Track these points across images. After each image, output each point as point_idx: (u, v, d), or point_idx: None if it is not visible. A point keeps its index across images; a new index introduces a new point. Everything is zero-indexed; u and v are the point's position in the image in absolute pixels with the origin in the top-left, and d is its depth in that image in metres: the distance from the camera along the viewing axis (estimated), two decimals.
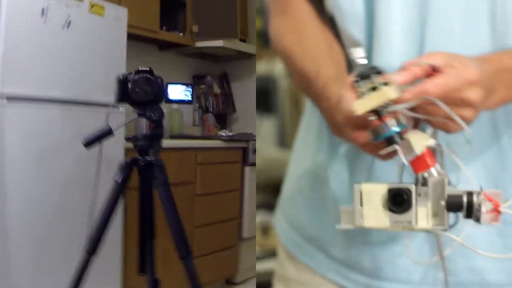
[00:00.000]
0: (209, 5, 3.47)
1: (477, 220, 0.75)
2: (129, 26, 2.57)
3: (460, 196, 0.75)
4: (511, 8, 0.87)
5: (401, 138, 0.76)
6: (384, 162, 0.83)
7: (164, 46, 3.52)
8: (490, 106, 0.80)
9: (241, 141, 3.28)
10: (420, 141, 0.76)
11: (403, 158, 0.76)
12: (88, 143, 1.62)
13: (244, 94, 3.95)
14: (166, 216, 1.66)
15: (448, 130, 0.79)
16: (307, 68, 0.95)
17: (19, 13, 1.96)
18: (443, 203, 0.76)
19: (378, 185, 0.78)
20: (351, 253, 1.03)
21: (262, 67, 3.30)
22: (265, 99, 3.30)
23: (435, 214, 0.76)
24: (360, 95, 0.76)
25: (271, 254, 2.73)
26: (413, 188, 0.76)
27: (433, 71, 0.77)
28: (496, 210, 0.74)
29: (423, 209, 0.77)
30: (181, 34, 3.40)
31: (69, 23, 2.13)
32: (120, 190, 1.66)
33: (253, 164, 3.35)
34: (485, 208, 0.74)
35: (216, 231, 3.14)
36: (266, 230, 2.95)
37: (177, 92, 3.18)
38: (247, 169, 3.32)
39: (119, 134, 2.28)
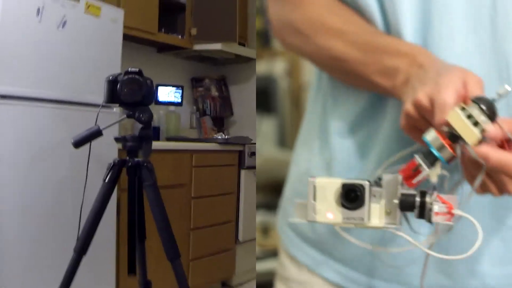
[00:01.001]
0: (208, 9, 3.48)
1: (429, 220, 0.75)
2: (128, 27, 2.58)
3: (413, 196, 0.76)
4: (511, 14, 0.87)
5: (432, 166, 0.76)
6: (380, 156, 0.84)
7: (162, 48, 3.52)
8: None
9: (237, 145, 3.29)
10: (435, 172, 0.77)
11: (421, 175, 0.77)
12: (77, 143, 1.62)
13: (242, 97, 3.95)
14: (154, 217, 1.67)
15: (470, 182, 0.79)
16: (377, 41, 0.92)
17: (14, 12, 1.96)
18: (396, 201, 0.76)
19: (332, 179, 0.78)
20: (351, 254, 1.04)
21: (262, 67, 3.30)
22: (265, 99, 3.31)
23: (388, 213, 0.77)
24: (463, 111, 0.75)
25: (271, 254, 2.73)
26: (366, 185, 0.76)
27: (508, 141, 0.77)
28: (449, 213, 0.75)
29: (376, 206, 0.77)
30: (180, 36, 3.41)
31: (64, 23, 2.13)
32: (108, 190, 1.66)
33: (250, 168, 3.35)
34: (438, 209, 0.74)
35: (212, 234, 3.14)
36: (266, 230, 2.95)
37: (167, 94, 3.19)
38: (243, 172, 3.32)
39: (113, 134, 2.28)
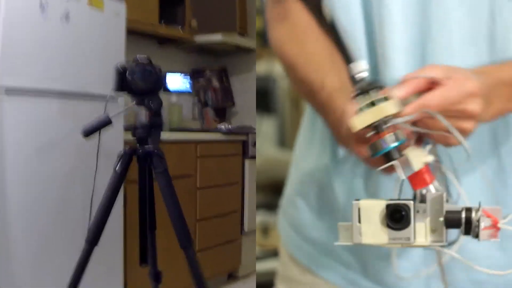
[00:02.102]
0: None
1: (476, 236, 0.74)
2: (128, 20, 2.57)
3: (459, 212, 0.75)
4: (510, 27, 0.87)
5: (400, 154, 0.76)
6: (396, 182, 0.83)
7: (163, 41, 3.51)
8: (486, 118, 0.80)
9: (240, 134, 3.28)
10: (418, 157, 0.77)
11: (401, 174, 0.76)
12: (87, 133, 1.62)
13: (243, 88, 3.95)
14: (166, 205, 1.65)
15: (447, 144, 0.79)
16: (311, 79, 0.94)
17: (18, 6, 1.96)
18: (441, 219, 0.75)
19: (376, 201, 0.78)
20: (355, 257, 1.03)
21: (262, 67, 3.30)
22: (265, 99, 3.31)
23: (434, 230, 0.76)
24: (358, 111, 0.76)
25: (271, 254, 2.73)
26: (411, 204, 0.75)
27: (432, 84, 0.76)
28: (495, 226, 0.74)
29: (422, 225, 0.76)
30: (180, 28, 3.40)
31: (68, 17, 2.13)
32: (119, 180, 1.65)
33: (253, 157, 3.35)
34: (484, 224, 0.74)
35: (217, 225, 3.14)
36: (266, 230, 2.95)
37: (176, 81, 3.17)
38: (247, 162, 3.32)
39: (119, 125, 2.28)
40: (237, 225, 3.32)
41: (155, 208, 1.78)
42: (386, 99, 0.75)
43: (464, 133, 0.77)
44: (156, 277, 1.86)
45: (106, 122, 1.61)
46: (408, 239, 0.75)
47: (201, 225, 3.01)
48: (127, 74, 1.59)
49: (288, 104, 3.30)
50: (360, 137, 0.79)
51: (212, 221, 3.10)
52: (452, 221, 0.75)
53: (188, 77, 2.85)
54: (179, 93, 3.27)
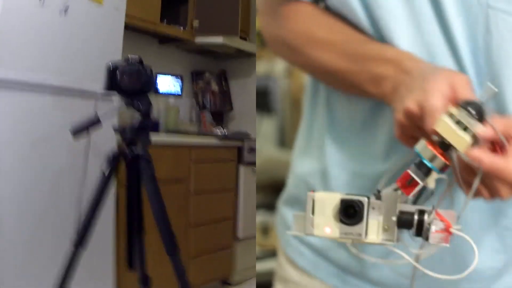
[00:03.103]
0: (211, 1, 3.47)
1: (426, 239, 0.75)
2: (129, 17, 2.55)
3: (412, 214, 0.76)
4: (505, 38, 0.87)
5: (425, 178, 0.77)
6: (376, 168, 0.85)
7: (164, 40, 3.49)
8: None
9: (236, 140, 3.26)
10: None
11: (410, 195, 0.77)
12: (76, 133, 1.60)
13: (242, 93, 3.94)
14: (153, 210, 1.65)
15: (466, 192, 0.79)
16: (362, 49, 0.93)
17: None
18: (394, 218, 0.76)
19: (332, 194, 0.79)
20: (351, 259, 1.04)
21: (262, 67, 3.29)
22: (265, 99, 3.30)
23: (386, 229, 0.77)
24: (450, 116, 0.75)
25: (271, 254, 2.71)
26: (365, 201, 0.77)
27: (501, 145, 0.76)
28: (447, 231, 0.74)
29: (374, 223, 0.77)
30: (182, 28, 3.38)
31: (67, 10, 2.11)
32: (107, 182, 1.64)
33: (249, 164, 3.32)
34: (435, 227, 0.74)
35: (211, 231, 3.12)
36: (266, 230, 2.94)
37: (167, 84, 3.16)
38: (242, 168, 3.30)
39: (111, 124, 2.25)
40: (231, 232, 3.30)
41: (144, 212, 1.77)
42: (473, 136, 0.75)
43: (498, 196, 0.78)
44: (145, 281, 1.84)
45: (95, 123, 1.59)
46: (360, 235, 0.77)
47: (194, 230, 2.99)
48: (117, 72, 1.56)
49: (288, 104, 3.30)
50: (412, 119, 0.78)
51: (205, 227, 3.07)
52: (404, 221, 0.76)
53: (180, 79, 2.84)
54: (170, 95, 3.25)
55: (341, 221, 0.77)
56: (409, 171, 0.77)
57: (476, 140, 0.75)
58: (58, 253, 1.92)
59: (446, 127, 0.74)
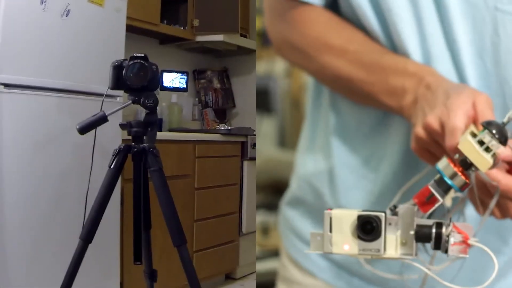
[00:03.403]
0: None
1: (445, 251, 0.75)
2: (130, 18, 2.57)
3: (430, 227, 0.76)
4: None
5: (444, 194, 0.77)
6: (385, 174, 0.85)
7: (165, 40, 3.51)
8: None
9: (240, 135, 3.28)
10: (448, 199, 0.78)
11: (427, 213, 0.78)
12: (83, 130, 1.61)
13: (244, 89, 3.94)
14: (160, 203, 1.65)
15: (476, 208, 0.80)
16: (377, 59, 0.92)
17: (18, 1, 1.95)
18: (412, 232, 0.76)
19: (348, 211, 0.78)
20: (355, 260, 1.04)
21: (262, 67, 3.30)
22: (265, 99, 3.30)
23: (404, 243, 0.77)
24: (472, 135, 0.76)
25: (271, 254, 2.72)
26: (382, 216, 0.76)
27: None
28: (465, 243, 0.74)
29: (392, 238, 0.77)
30: (182, 28, 3.40)
31: (68, 12, 2.13)
32: (114, 176, 1.64)
33: (252, 159, 3.34)
34: (454, 239, 0.74)
35: (215, 226, 3.13)
36: (266, 230, 2.95)
37: (172, 79, 3.16)
38: (246, 163, 3.32)
39: (116, 123, 2.27)
40: (235, 227, 3.31)
41: (150, 207, 1.78)
42: (493, 155, 0.75)
43: (509, 216, 0.79)
44: (151, 275, 1.85)
45: (102, 119, 1.61)
46: (378, 250, 0.76)
47: (198, 225, 3.00)
48: (123, 71, 1.58)
49: (288, 104, 3.30)
50: (431, 134, 0.79)
51: (210, 222, 3.09)
52: (423, 235, 0.76)
53: (185, 75, 2.85)
54: (176, 91, 3.26)
55: (359, 238, 0.76)
56: (430, 187, 0.77)
57: (495, 161, 0.75)
58: (65, 252, 1.94)
59: (469, 147, 0.74)
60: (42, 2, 2.02)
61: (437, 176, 0.78)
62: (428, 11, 0.89)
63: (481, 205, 0.79)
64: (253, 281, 3.37)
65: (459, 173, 0.76)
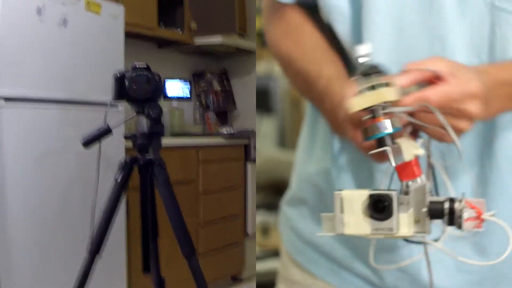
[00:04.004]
0: (207, 1, 3.46)
1: (459, 227, 0.74)
2: (127, 23, 2.56)
3: (442, 203, 0.74)
4: (508, 38, 0.87)
5: (393, 142, 0.75)
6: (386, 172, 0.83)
7: (163, 44, 3.50)
8: (483, 118, 0.80)
9: (242, 138, 3.27)
10: (410, 149, 0.75)
11: (392, 160, 0.75)
12: (87, 143, 1.61)
13: (245, 91, 3.93)
14: (168, 215, 1.65)
15: (441, 140, 0.78)
16: (308, 69, 0.96)
17: (14, 12, 1.94)
18: (424, 209, 0.74)
19: (359, 191, 0.77)
20: (355, 259, 1.04)
21: (262, 67, 3.29)
22: (265, 99, 3.30)
23: (417, 221, 0.75)
24: (358, 93, 0.75)
25: (271, 254, 2.72)
26: (394, 194, 0.75)
27: (435, 78, 0.76)
28: (478, 218, 0.73)
29: (405, 216, 0.75)
30: (180, 31, 3.39)
31: (65, 22, 2.11)
32: (120, 189, 1.64)
33: (255, 161, 3.34)
34: (467, 215, 0.73)
35: (220, 229, 3.13)
36: (266, 230, 2.95)
37: (175, 88, 3.15)
38: (250, 165, 3.32)
39: (119, 133, 2.26)
40: (240, 228, 3.32)
41: (158, 216, 1.78)
42: (387, 84, 0.74)
43: (459, 132, 0.77)
44: (160, 284, 1.85)
45: (106, 132, 1.60)
46: (391, 229, 0.75)
47: (204, 229, 3.01)
48: (125, 82, 1.57)
49: (288, 104, 3.29)
50: (356, 121, 0.79)
51: (215, 225, 3.09)
52: (435, 211, 0.74)
53: (188, 83, 2.83)
54: (179, 100, 3.26)
55: (371, 217, 0.75)
56: (387, 154, 0.75)
57: (404, 92, 0.74)
58: (71, 262, 1.94)
59: (360, 99, 0.74)
60: (39, 13, 2.00)
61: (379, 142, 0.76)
62: (420, 11, 0.89)
63: (440, 134, 0.77)
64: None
65: (381, 120, 0.74)
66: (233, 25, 3.46)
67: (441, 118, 0.74)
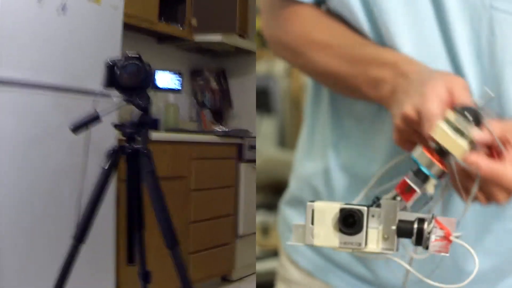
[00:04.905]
0: None
1: (426, 248, 0.74)
2: (128, 16, 2.56)
3: (412, 222, 0.75)
4: (508, 38, 0.87)
5: (423, 186, 0.76)
6: (383, 174, 0.84)
7: (162, 38, 3.50)
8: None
9: (236, 137, 3.27)
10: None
11: (410, 201, 0.76)
12: (76, 128, 1.61)
13: (242, 91, 3.93)
14: (153, 205, 1.65)
15: (459, 192, 0.79)
16: (362, 52, 0.92)
17: None
18: (393, 227, 0.75)
19: (331, 204, 0.78)
20: (353, 259, 1.04)
21: (262, 67, 3.29)
22: (265, 99, 3.30)
23: (386, 238, 0.76)
24: (446, 122, 0.74)
25: (271, 254, 2.72)
26: (365, 210, 0.75)
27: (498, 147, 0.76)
28: (446, 239, 0.74)
29: (374, 231, 0.76)
30: (180, 27, 3.39)
31: (65, 8, 2.11)
32: (107, 177, 1.64)
33: (249, 161, 3.33)
34: (435, 236, 0.74)
35: (211, 228, 3.12)
36: (266, 230, 2.94)
37: (166, 80, 3.14)
38: (243, 165, 3.31)
39: (111, 122, 2.26)
40: (231, 229, 3.31)
41: (145, 208, 1.77)
42: (470, 139, 0.74)
43: (494, 201, 0.78)
44: (145, 277, 1.85)
45: (94, 119, 1.60)
46: (359, 244, 0.76)
47: (194, 227, 2.99)
48: (115, 69, 1.57)
49: (288, 104, 3.30)
50: (408, 131, 0.79)
51: (205, 224, 3.08)
52: (404, 230, 0.75)
53: (180, 76, 2.83)
54: (170, 91, 3.24)
55: (341, 231, 0.76)
56: (406, 179, 0.76)
57: (473, 146, 0.74)
58: (58, 250, 1.93)
59: (443, 134, 0.73)
60: None
61: (415, 166, 0.77)
62: (425, 11, 0.89)
63: (465, 192, 0.78)
64: (249, 283, 3.38)
65: (435, 162, 0.75)
66: (234, 24, 3.46)
67: (474, 190, 0.75)
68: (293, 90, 3.29)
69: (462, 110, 0.74)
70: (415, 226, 0.74)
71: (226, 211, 3.25)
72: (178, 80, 3.12)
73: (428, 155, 0.75)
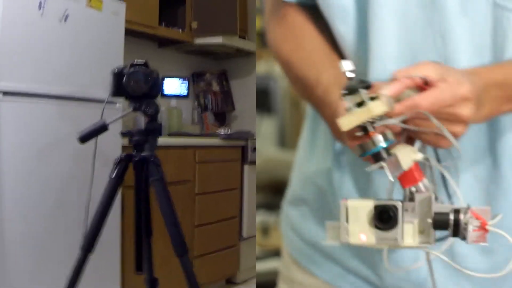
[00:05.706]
0: (208, 1, 3.46)
1: (464, 238, 0.73)
2: (128, 21, 2.55)
3: (447, 214, 0.74)
4: (508, 36, 0.86)
5: (389, 153, 0.75)
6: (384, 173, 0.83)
7: (163, 43, 3.50)
8: (477, 121, 0.79)
9: (240, 139, 3.26)
10: (407, 155, 0.76)
11: (389, 175, 0.75)
12: (83, 139, 1.60)
13: (244, 92, 3.93)
14: (162, 213, 1.64)
15: (438, 146, 0.78)
16: (307, 74, 0.95)
17: (16, 6, 1.93)
18: (429, 220, 0.74)
19: (364, 201, 0.77)
20: (356, 260, 1.04)
21: (262, 67, 3.29)
22: (265, 99, 3.29)
23: (422, 231, 0.75)
24: (346, 110, 0.75)
25: (271, 254, 2.72)
26: (399, 205, 0.75)
27: (425, 84, 0.75)
28: (483, 228, 0.72)
29: (410, 226, 0.76)
30: (180, 30, 3.38)
31: (66, 17, 2.11)
32: (115, 186, 1.63)
33: (253, 163, 3.33)
34: (472, 226, 0.72)
35: (216, 231, 3.12)
36: (266, 230, 2.94)
37: (173, 86, 3.14)
38: (247, 167, 3.30)
39: (117, 130, 2.25)
40: (236, 231, 3.30)
41: (152, 215, 1.76)
42: (374, 98, 0.73)
43: (454, 136, 0.76)
44: (152, 284, 1.84)
45: (102, 128, 1.59)
46: (396, 240, 0.75)
47: (199, 231, 2.99)
48: (123, 78, 1.56)
49: (288, 104, 3.29)
50: (352, 135, 0.78)
51: (210, 227, 3.08)
52: (441, 222, 0.74)
53: (187, 81, 2.82)
54: (177, 98, 3.24)
55: (376, 227, 0.76)
56: (384, 170, 0.76)
57: (392, 102, 0.74)
58: (67, 259, 1.92)
59: (349, 118, 0.74)
60: (40, 7, 2.00)
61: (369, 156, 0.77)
62: (423, 11, 0.89)
63: (435, 138, 0.77)
64: (254, 285, 3.37)
65: (372, 136, 0.75)
66: (234, 26, 3.45)
67: (435, 122, 0.74)
68: (294, 91, 3.27)
69: (345, 91, 0.75)
70: (452, 217, 0.73)
71: (231, 213, 3.24)
72: (184, 85, 3.10)
73: (361, 141, 0.76)
